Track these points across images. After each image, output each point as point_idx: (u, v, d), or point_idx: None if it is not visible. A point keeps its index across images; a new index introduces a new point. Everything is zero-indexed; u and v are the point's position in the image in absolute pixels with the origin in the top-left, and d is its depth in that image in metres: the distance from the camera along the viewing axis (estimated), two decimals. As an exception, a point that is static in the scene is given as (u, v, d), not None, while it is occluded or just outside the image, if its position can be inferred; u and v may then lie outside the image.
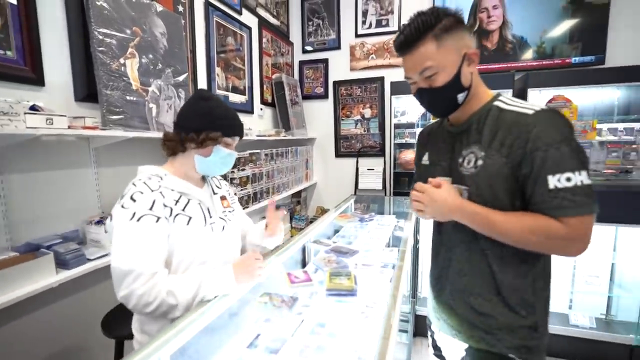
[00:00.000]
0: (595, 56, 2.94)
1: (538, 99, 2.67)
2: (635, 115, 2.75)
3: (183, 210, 0.99)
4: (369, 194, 3.66)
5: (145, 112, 1.73)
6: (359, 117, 3.81)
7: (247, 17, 2.96)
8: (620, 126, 2.69)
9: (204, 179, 1.15)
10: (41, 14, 1.39)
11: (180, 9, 2.17)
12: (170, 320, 0.97)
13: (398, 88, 3.17)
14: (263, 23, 3.22)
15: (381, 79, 3.65)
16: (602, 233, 2.13)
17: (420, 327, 2.39)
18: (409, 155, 3.33)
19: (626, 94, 2.82)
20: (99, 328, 1.29)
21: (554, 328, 2.12)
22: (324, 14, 3.78)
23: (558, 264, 2.20)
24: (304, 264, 1.62)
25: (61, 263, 1.30)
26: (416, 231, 2.27)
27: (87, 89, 1.55)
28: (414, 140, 3.43)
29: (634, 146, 2.07)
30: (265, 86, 3.29)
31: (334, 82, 3.83)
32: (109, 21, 1.55)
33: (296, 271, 1.22)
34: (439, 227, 1.00)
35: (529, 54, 3.13)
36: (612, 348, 2.04)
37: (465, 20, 3.18)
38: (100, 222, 1.50)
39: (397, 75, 3.53)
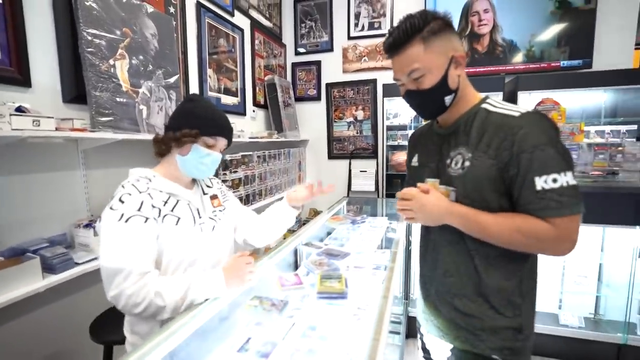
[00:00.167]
0: (583, 60, 3.00)
1: (528, 101, 2.71)
2: (622, 118, 2.81)
3: (172, 211, 0.99)
4: (362, 195, 3.67)
5: (136, 113, 1.71)
6: (351, 119, 3.82)
7: (239, 19, 2.95)
8: (607, 128, 2.75)
9: (194, 180, 1.15)
10: (28, 14, 1.37)
11: (172, 10, 2.16)
12: (159, 321, 0.97)
13: (390, 90, 3.19)
14: (255, 25, 3.21)
15: (374, 81, 3.67)
16: (589, 234, 2.17)
17: (412, 329, 2.40)
18: (402, 157, 3.35)
19: (613, 97, 2.88)
20: (87, 333, 1.27)
21: (544, 328, 2.14)
22: (316, 16, 3.79)
23: (548, 264, 2.23)
24: (296, 266, 1.61)
25: (48, 268, 1.27)
26: (408, 232, 2.28)
27: (75, 90, 1.53)
28: (406, 142, 3.43)
29: (619, 148, 2.11)
30: (257, 88, 3.29)
31: (327, 84, 3.84)
32: (98, 22, 1.53)
33: (287, 274, 1.22)
34: (426, 228, 1.01)
35: (518, 58, 3.17)
36: (601, 347, 2.07)
37: (457, 23, 3.24)
38: (89, 225, 1.47)
39: (389, 77, 3.53)
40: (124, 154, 1.76)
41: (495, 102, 0.87)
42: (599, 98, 2.86)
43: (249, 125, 3.12)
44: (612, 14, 2.92)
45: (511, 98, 2.73)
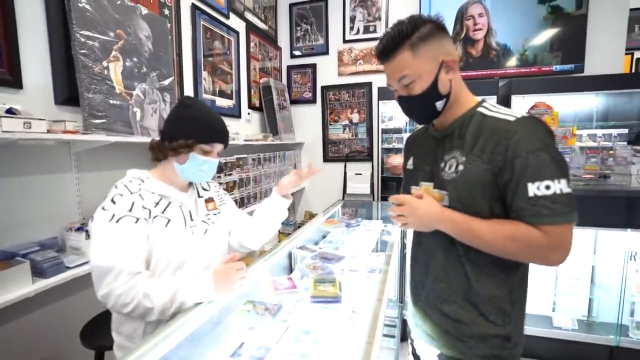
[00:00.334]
0: (575, 65, 3.04)
1: (521, 105, 2.73)
2: (613, 122, 2.84)
3: (162, 212, 0.99)
4: (357, 198, 3.67)
5: (129, 116, 1.70)
6: (347, 122, 3.83)
7: (234, 22, 2.95)
8: (599, 132, 2.78)
9: (191, 183, 1.15)
10: (19, 14, 1.36)
11: (166, 12, 2.15)
12: (143, 323, 0.97)
13: (385, 93, 3.20)
14: (251, 27, 3.21)
15: (369, 84, 3.68)
16: (582, 236, 2.18)
17: (407, 332, 2.39)
18: (397, 160, 3.36)
19: (604, 101, 2.92)
20: (78, 339, 1.25)
21: (538, 330, 2.16)
22: (312, 19, 3.80)
23: (542, 267, 2.24)
24: (291, 269, 1.61)
25: (38, 272, 1.26)
26: (403, 236, 2.28)
27: (68, 92, 1.51)
28: (401, 145, 3.46)
29: (611, 152, 2.13)
30: (253, 90, 3.28)
31: (322, 87, 3.85)
32: (91, 23, 1.52)
33: (281, 278, 1.21)
34: (419, 233, 0.99)
35: (512, 62, 3.21)
36: (594, 349, 2.09)
37: (452, 27, 3.26)
38: (80, 228, 1.45)
39: (384, 80, 3.53)
40: (117, 156, 1.75)
41: (492, 105, 0.86)
42: (591, 102, 2.90)
43: (244, 128, 3.12)
44: (602, 20, 2.96)
45: (505, 102, 2.76)
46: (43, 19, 1.47)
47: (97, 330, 1.27)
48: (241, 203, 2.55)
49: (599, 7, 2.96)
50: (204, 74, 2.53)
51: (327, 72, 3.82)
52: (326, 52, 3.79)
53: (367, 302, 1.11)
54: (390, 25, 0.85)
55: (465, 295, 0.86)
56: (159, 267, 0.98)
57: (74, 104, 1.52)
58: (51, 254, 1.31)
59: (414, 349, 1.08)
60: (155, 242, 0.96)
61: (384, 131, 3.46)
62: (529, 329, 2.10)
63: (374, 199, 3.63)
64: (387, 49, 0.83)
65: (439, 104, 0.85)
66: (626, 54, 3.11)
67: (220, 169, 2.31)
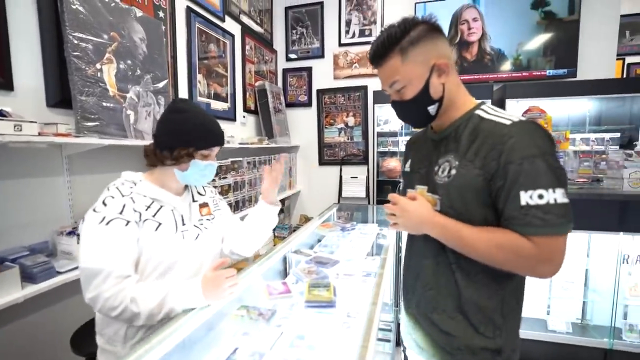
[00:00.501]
0: (568, 69, 3.08)
1: (516, 109, 2.75)
2: (606, 126, 2.88)
3: (153, 216, 0.99)
4: (353, 202, 3.67)
5: (123, 119, 1.68)
6: (342, 125, 3.84)
7: (230, 24, 2.95)
8: (592, 136, 2.81)
9: (186, 186, 1.14)
10: (10, 15, 1.34)
11: (161, 14, 2.14)
12: (127, 326, 0.96)
13: (381, 97, 3.21)
14: (246, 30, 3.21)
15: (364, 88, 3.69)
16: (576, 240, 2.20)
17: (400, 340, 2.38)
18: (392, 163, 3.36)
19: (597, 106, 2.95)
20: (68, 345, 1.23)
21: (533, 334, 2.16)
22: (307, 22, 3.81)
23: (535, 270, 2.25)
24: (286, 274, 1.60)
25: (28, 277, 1.23)
26: (398, 239, 2.28)
27: (60, 94, 1.49)
28: (396, 149, 3.48)
29: (603, 156, 2.15)
30: (248, 93, 3.28)
31: (318, 90, 3.85)
32: (85, 25, 1.51)
33: (275, 283, 1.20)
34: (412, 237, 0.98)
35: (506, 66, 3.24)
36: (588, 352, 2.09)
37: (447, 32, 3.28)
38: (72, 232, 1.43)
39: (380, 84, 3.57)
40: (111, 159, 1.73)
41: (490, 108, 0.83)
42: (584, 106, 2.93)
43: (239, 131, 3.11)
44: (594, 26, 3.01)
45: (499, 105, 2.73)
46: (35, 20, 1.45)
47: (88, 337, 1.24)
48: (236, 206, 2.53)
49: (591, 13, 3.00)
50: (199, 76, 2.52)
51: (323, 75, 3.83)
52: (322, 56, 3.80)
53: (362, 306, 1.10)
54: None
55: (454, 303, 0.83)
56: (148, 269, 0.97)
57: (67, 107, 1.51)
58: (41, 259, 1.29)
59: (405, 357, 1.06)
60: (144, 245, 0.96)
61: (380, 134, 3.47)
62: (524, 332, 2.10)
63: (369, 203, 3.63)
64: (377, 55, 0.82)
65: (432, 109, 0.83)
66: (617, 59, 3.15)
67: (215, 172, 2.30)
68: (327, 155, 3.91)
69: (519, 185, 0.70)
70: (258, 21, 3.47)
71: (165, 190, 1.05)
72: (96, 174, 1.69)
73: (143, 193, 0.99)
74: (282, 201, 3.78)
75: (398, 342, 2.35)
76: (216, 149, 1.08)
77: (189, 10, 2.39)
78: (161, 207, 1.01)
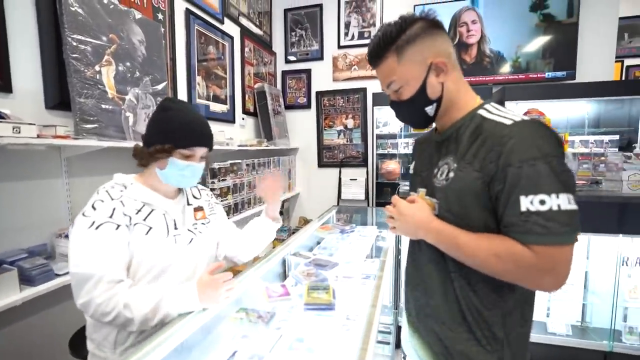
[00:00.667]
0: (567, 72, 3.08)
1: (515, 111, 2.75)
2: (604, 129, 2.88)
3: (144, 220, 0.96)
4: (352, 204, 3.67)
5: (122, 121, 1.68)
6: (341, 127, 3.84)
7: (229, 27, 2.96)
8: (591, 138, 2.82)
9: (180, 189, 1.12)
10: (9, 17, 1.34)
11: (160, 16, 2.14)
12: (118, 331, 0.95)
13: (380, 99, 3.22)
14: (245, 32, 3.22)
15: (363, 90, 3.70)
16: (576, 242, 2.20)
17: (401, 345, 2.38)
18: (391, 165, 3.36)
19: (596, 108, 2.96)
20: (66, 348, 1.23)
21: (532, 336, 2.11)
22: (306, 24, 3.82)
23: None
24: (285, 276, 1.59)
25: (26, 279, 1.23)
26: (398, 241, 2.28)
27: (59, 96, 1.49)
28: (396, 151, 3.48)
29: (602, 158, 2.15)
30: (247, 95, 3.28)
31: (317, 93, 3.86)
32: (84, 27, 1.51)
33: (274, 285, 1.20)
34: (413, 242, 0.93)
35: (505, 68, 3.24)
36: (588, 354, 2.09)
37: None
38: (70, 235, 1.43)
39: (379, 86, 3.58)
40: (110, 161, 1.73)
41: (494, 108, 0.77)
42: (583, 109, 2.94)
43: (238, 133, 3.11)
44: (593, 28, 3.02)
45: (498, 108, 2.78)
46: (34, 22, 1.45)
47: (86, 340, 1.24)
48: (235, 209, 2.53)
49: (590, 15, 3.01)
50: (198, 78, 2.52)
51: (322, 77, 3.83)
52: (321, 58, 3.81)
53: (362, 308, 1.10)
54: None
55: (453, 312, 0.79)
56: (140, 272, 0.95)
57: (65, 109, 1.50)
58: (40, 261, 1.29)
59: None
60: (135, 249, 0.94)
61: (379, 137, 3.47)
62: (524, 335, 2.10)
63: (368, 205, 3.63)
64: (374, 55, 0.81)
65: (430, 109, 0.80)
66: (616, 61, 3.16)
67: (214, 174, 2.30)
68: (326, 157, 3.92)
69: (519, 189, 0.65)
70: (257, 23, 3.48)
71: (156, 193, 1.02)
72: (95, 176, 1.68)
73: (133, 197, 0.97)
74: (282, 203, 3.77)
75: (397, 345, 2.34)
76: (200, 151, 1.01)
77: (188, 12, 2.39)
78: (152, 210, 0.99)
